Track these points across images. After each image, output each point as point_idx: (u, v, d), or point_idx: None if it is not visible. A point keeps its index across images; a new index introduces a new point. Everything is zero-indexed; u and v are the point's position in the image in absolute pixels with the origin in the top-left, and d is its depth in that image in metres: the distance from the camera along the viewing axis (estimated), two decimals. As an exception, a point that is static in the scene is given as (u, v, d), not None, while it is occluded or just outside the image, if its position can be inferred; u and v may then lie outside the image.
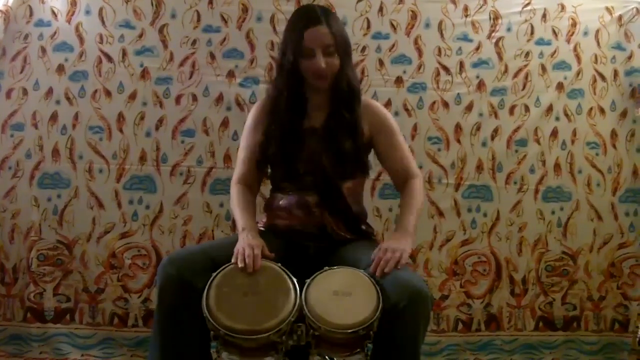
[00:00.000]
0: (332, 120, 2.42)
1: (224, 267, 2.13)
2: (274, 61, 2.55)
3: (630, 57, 3.53)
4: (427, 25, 3.48)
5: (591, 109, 3.53)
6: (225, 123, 3.41)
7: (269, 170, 2.55)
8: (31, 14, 3.38)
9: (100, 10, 3.39)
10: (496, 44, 3.50)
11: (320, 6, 2.54)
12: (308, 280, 2.11)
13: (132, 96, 3.39)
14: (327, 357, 2.30)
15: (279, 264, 2.17)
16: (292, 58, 2.34)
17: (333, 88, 2.42)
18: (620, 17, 3.53)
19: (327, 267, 2.17)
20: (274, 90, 2.47)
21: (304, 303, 2.04)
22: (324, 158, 2.39)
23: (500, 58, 3.50)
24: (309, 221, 2.42)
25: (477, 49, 3.50)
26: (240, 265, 2.12)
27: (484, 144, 3.49)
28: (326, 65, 2.33)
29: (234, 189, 2.49)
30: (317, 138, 2.42)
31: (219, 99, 3.41)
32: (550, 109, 3.51)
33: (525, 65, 3.51)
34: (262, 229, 2.50)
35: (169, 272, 2.13)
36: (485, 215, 3.49)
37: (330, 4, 3.39)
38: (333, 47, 2.33)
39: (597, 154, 3.53)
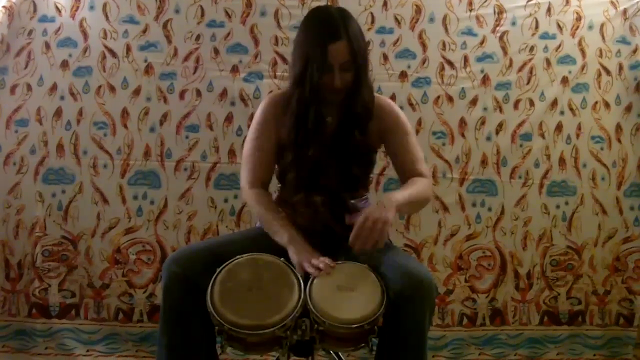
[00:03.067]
0: (342, 140, 2.38)
1: (228, 262, 2.13)
2: (291, 68, 2.44)
3: (635, 51, 3.52)
4: (432, 20, 3.48)
5: (596, 103, 3.52)
6: (229, 118, 3.41)
7: (276, 168, 2.53)
8: (35, 10, 3.38)
9: (104, 5, 3.39)
10: (501, 38, 3.49)
11: (338, 10, 2.42)
12: (312, 275, 2.11)
13: (136, 91, 3.39)
14: (331, 351, 2.32)
15: (283, 259, 2.17)
16: (317, 74, 2.26)
17: (345, 103, 2.37)
18: (625, 11, 3.52)
19: (331, 262, 2.17)
20: (298, 104, 2.35)
21: (308, 298, 2.04)
22: (332, 173, 2.38)
23: (505, 52, 3.49)
24: (315, 219, 2.41)
25: (482, 43, 3.49)
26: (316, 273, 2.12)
27: (488, 139, 3.49)
28: (341, 83, 2.29)
29: (254, 193, 2.42)
30: (327, 151, 2.37)
31: (223, 94, 3.41)
32: (555, 103, 3.50)
33: (530, 60, 3.50)
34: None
35: (173, 270, 2.13)
36: (489, 209, 3.48)
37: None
38: (350, 62, 2.28)
39: (602, 148, 3.52)
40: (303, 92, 2.33)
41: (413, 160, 2.44)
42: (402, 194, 2.25)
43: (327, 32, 2.27)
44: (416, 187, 2.33)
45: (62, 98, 3.38)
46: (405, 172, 2.44)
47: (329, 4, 3.40)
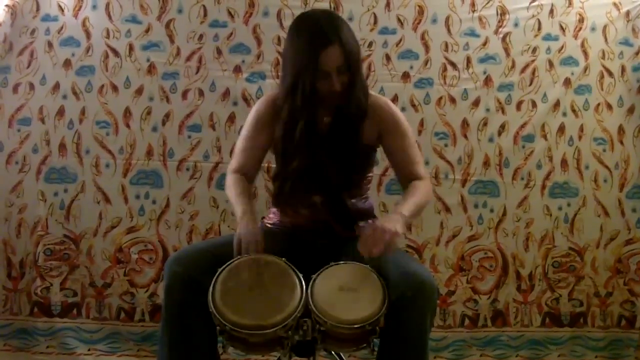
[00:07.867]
0: (336, 139, 2.36)
1: (229, 262, 2.13)
2: (282, 80, 2.41)
3: (637, 53, 3.52)
4: (434, 21, 3.47)
5: (598, 104, 3.52)
6: (231, 118, 3.41)
7: (274, 166, 2.52)
8: (38, 9, 3.39)
9: (107, 5, 3.40)
10: (503, 39, 3.49)
11: (325, 14, 2.41)
12: (314, 276, 2.11)
13: (139, 91, 3.40)
14: (333, 352, 2.31)
15: (284, 259, 2.16)
16: (310, 81, 2.25)
17: (340, 103, 2.35)
18: (627, 13, 3.52)
19: (333, 263, 2.17)
20: (289, 114, 2.32)
21: (310, 298, 2.03)
22: (329, 173, 2.36)
23: (508, 53, 3.49)
24: (315, 219, 2.41)
25: (484, 44, 3.49)
26: (237, 256, 2.14)
27: (490, 140, 3.48)
28: (340, 86, 2.27)
29: (230, 177, 2.43)
30: (323, 149, 2.36)
31: (226, 94, 3.41)
32: (557, 104, 3.50)
33: (533, 61, 3.50)
34: (269, 225, 2.50)
35: (175, 270, 2.13)
36: (492, 211, 3.48)
37: (338, 0, 3.40)
38: (345, 65, 2.26)
39: (604, 150, 3.52)
40: (294, 103, 2.30)
41: (411, 162, 2.42)
42: (408, 207, 2.23)
43: (317, 38, 2.24)
44: (419, 195, 2.32)
45: (64, 97, 3.38)
46: (404, 175, 2.43)
47: (330, 5, 3.40)
